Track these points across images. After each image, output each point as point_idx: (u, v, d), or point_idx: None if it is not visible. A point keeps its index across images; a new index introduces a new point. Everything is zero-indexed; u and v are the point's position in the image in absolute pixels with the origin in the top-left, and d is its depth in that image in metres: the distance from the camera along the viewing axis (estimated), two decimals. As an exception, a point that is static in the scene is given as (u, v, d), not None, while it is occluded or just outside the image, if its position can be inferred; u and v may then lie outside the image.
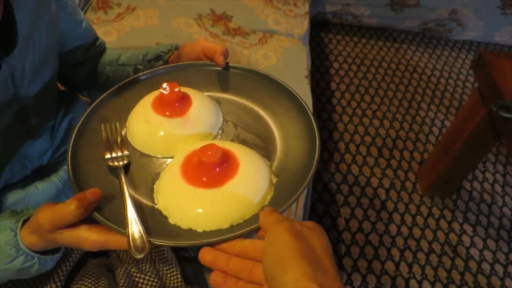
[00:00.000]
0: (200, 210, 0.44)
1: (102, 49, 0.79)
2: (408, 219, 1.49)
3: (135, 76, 0.62)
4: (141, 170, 0.52)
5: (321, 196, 1.54)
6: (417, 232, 1.46)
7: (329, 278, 0.29)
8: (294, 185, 0.47)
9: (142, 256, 0.40)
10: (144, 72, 0.63)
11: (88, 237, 0.43)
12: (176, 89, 0.53)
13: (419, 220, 1.49)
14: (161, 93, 0.53)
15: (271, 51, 1.28)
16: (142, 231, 0.42)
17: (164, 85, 0.54)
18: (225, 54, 0.60)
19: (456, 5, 2.04)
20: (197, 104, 0.56)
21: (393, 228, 1.47)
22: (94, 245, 0.43)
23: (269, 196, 0.47)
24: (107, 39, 1.28)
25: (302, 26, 1.42)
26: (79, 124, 0.54)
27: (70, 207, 0.42)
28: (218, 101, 0.61)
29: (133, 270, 0.64)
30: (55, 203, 0.44)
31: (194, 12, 1.40)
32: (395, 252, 1.40)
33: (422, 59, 2.14)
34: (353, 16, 2.19)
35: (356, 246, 1.41)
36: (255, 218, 0.44)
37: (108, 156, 0.52)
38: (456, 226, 1.48)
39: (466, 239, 1.45)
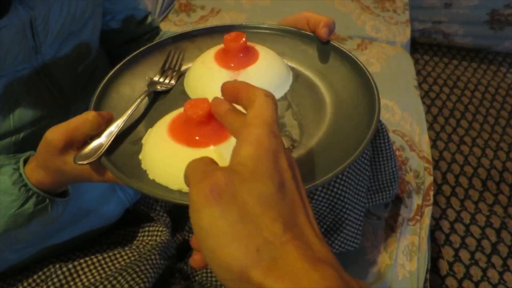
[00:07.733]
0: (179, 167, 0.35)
1: (154, 28, 0.72)
2: (528, 268, 1.22)
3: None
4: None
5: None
6: (540, 285, 1.18)
7: (270, 249, 0.22)
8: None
9: (80, 162, 0.37)
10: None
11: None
12: (242, 40, 0.46)
13: (543, 270, 1.22)
14: (225, 43, 0.47)
15: (373, 58, 1.11)
16: (103, 148, 0.39)
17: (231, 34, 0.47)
18: (330, 27, 0.48)
19: None
20: (263, 63, 0.47)
21: (509, 278, 1.20)
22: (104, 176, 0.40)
23: None
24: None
25: (405, 34, 1.25)
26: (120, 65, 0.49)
27: (87, 116, 0.39)
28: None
29: None
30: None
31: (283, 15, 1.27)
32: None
33: (526, 84, 1.87)
34: (443, 35, 1.98)
35: (465, 296, 1.16)
36: None
37: (155, 78, 0.49)
38: None
39: None
